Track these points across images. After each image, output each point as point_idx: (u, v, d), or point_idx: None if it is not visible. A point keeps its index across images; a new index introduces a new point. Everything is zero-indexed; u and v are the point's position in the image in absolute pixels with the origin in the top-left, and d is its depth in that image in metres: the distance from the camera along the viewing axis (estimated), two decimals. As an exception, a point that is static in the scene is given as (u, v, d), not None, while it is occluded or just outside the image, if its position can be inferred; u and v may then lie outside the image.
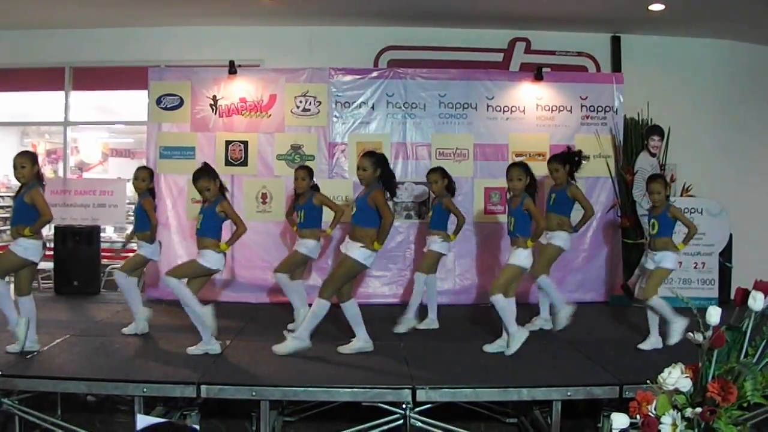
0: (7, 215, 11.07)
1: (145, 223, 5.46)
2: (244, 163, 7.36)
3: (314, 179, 5.97)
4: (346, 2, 7.60)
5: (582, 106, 7.54)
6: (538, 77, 7.51)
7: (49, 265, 7.53)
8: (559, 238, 5.67)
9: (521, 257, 4.95)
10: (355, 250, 4.79)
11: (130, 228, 10.00)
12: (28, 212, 4.71)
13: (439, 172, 5.87)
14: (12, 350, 4.68)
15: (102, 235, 8.18)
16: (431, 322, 5.91)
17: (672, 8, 7.40)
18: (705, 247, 7.10)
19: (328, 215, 5.91)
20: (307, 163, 7.24)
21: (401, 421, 4.08)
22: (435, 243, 5.82)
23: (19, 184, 4.87)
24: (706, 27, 8.09)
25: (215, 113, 7.38)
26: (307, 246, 5.78)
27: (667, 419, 2.22)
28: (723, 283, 7.16)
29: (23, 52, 8.43)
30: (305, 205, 5.79)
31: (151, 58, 8.05)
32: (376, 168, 4.84)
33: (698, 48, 8.46)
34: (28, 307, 4.77)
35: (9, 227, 4.87)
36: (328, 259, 7.14)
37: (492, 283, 5.00)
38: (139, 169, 5.67)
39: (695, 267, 7.07)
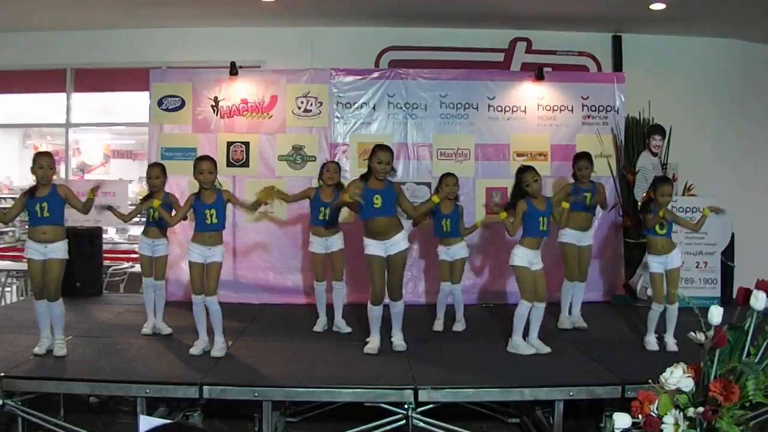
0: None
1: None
2: (246, 164, 7.36)
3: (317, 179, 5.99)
4: (347, 3, 7.60)
5: (583, 105, 7.54)
6: (539, 77, 7.50)
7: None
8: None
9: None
10: None
11: (132, 229, 10.03)
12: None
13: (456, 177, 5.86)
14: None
15: (104, 236, 8.18)
16: (441, 323, 5.94)
17: (673, 7, 7.39)
18: (707, 246, 7.09)
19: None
20: (309, 164, 7.30)
21: (403, 422, 4.08)
22: (463, 249, 5.87)
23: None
24: (708, 26, 8.09)
25: (217, 114, 7.38)
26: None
27: (669, 419, 2.22)
28: (725, 282, 7.14)
29: (25, 54, 8.44)
30: (331, 202, 5.69)
31: (152, 59, 8.05)
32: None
33: (699, 47, 8.46)
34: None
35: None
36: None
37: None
38: (152, 166, 5.70)
39: (697, 266, 7.05)
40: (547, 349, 4.96)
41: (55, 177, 4.93)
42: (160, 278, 5.58)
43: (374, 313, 5.02)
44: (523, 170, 5.07)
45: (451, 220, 5.76)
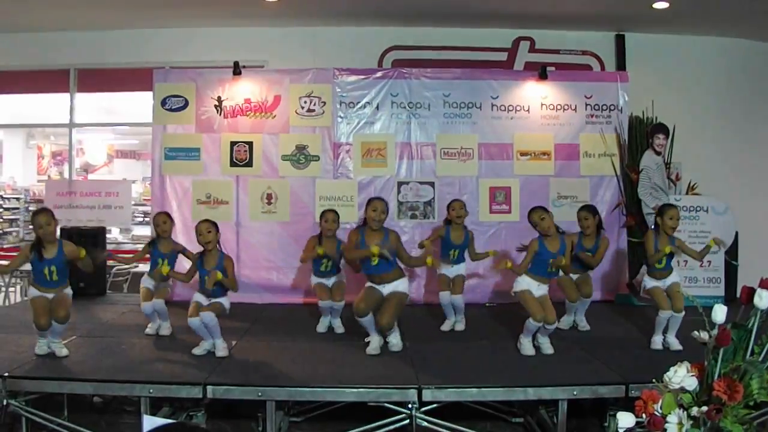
0: (13, 217, 11.13)
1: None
2: (249, 164, 7.37)
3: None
4: (350, 3, 7.61)
5: (587, 104, 7.54)
6: (543, 76, 7.51)
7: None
8: None
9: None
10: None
11: (135, 229, 10.04)
12: None
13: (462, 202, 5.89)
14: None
15: (108, 236, 8.21)
16: (448, 324, 5.93)
17: (676, 6, 7.38)
18: (711, 245, 7.08)
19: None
20: (312, 164, 7.30)
21: (407, 421, 4.08)
22: (463, 267, 5.89)
23: None
24: (711, 25, 8.07)
25: (220, 114, 7.40)
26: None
27: (672, 418, 2.22)
28: (729, 281, 7.14)
29: (28, 55, 8.47)
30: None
31: (155, 59, 8.08)
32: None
33: (703, 46, 8.44)
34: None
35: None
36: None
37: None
38: (160, 214, 5.68)
39: (701, 265, 7.03)
40: (550, 350, 4.95)
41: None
42: (160, 298, 5.48)
43: (364, 322, 4.99)
44: (529, 212, 4.99)
45: (459, 251, 5.80)
